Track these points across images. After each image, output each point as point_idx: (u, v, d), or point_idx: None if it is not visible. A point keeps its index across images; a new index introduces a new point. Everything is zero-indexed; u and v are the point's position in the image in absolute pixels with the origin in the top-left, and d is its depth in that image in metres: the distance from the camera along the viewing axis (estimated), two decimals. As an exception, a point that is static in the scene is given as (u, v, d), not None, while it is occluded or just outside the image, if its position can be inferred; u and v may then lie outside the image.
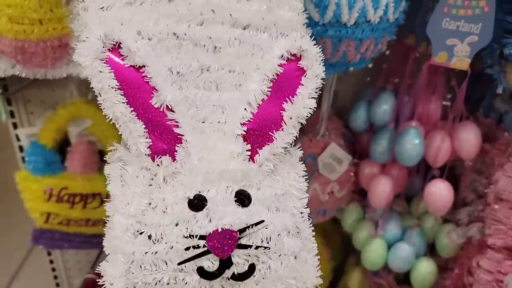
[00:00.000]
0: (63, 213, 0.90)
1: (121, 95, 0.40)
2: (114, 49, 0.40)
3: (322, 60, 0.62)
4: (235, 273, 0.40)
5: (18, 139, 0.94)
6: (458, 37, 0.63)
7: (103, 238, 0.43)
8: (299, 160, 0.48)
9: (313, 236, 0.47)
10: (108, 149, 0.44)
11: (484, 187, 0.75)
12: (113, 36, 0.40)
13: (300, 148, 0.49)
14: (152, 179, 0.42)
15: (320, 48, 0.59)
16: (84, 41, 0.39)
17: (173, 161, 0.42)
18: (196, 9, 0.43)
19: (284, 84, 0.45)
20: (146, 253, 0.40)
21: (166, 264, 0.40)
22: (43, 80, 0.72)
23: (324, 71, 0.64)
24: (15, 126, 0.93)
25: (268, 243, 0.42)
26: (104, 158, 0.91)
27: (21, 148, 0.95)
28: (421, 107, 0.78)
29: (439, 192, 0.75)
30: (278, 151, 0.44)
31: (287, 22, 0.46)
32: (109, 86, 0.39)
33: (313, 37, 0.59)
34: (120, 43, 0.40)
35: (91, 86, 0.79)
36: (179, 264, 0.39)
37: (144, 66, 0.40)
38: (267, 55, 0.45)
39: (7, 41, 0.64)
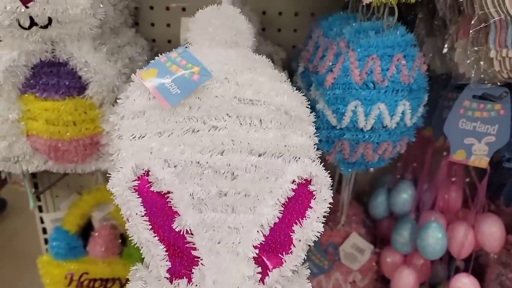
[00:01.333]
0: (83, 298, 0.90)
1: (146, 221, 0.43)
2: (143, 176, 0.44)
3: (342, 160, 0.64)
4: None
5: (42, 221, 0.96)
6: (475, 137, 0.65)
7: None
8: (307, 278, 0.50)
9: None
10: (131, 269, 0.47)
11: (511, 282, 0.74)
12: (143, 166, 0.44)
13: (307, 267, 0.50)
14: None
15: (339, 148, 0.62)
16: (118, 171, 0.43)
17: (189, 282, 0.44)
18: (218, 140, 0.46)
19: (295, 206, 0.47)
20: None
21: None
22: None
23: (344, 169, 0.66)
24: (40, 209, 0.95)
25: None
26: (125, 242, 0.92)
27: (44, 230, 0.97)
28: (441, 196, 0.78)
29: (465, 288, 0.73)
30: (287, 274, 0.46)
31: (300, 147, 0.49)
32: (136, 213, 0.42)
33: (331, 139, 0.62)
34: (148, 171, 0.44)
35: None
36: None
37: (169, 193, 0.44)
38: (280, 179, 0.47)
39: (42, 140, 0.67)
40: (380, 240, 0.88)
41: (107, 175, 0.91)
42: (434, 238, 0.73)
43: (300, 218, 0.46)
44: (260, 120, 0.47)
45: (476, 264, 0.82)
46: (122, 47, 0.72)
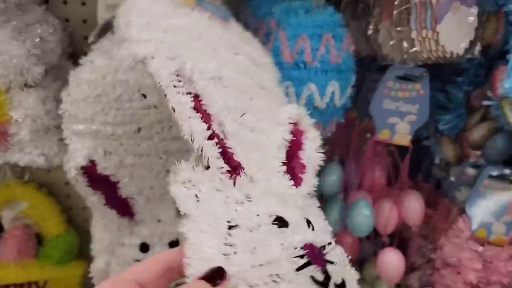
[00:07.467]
0: (-6, 308, 0.81)
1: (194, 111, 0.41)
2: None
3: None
4: (336, 283, 0.39)
5: None
6: (398, 116, 0.68)
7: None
8: None
9: None
10: (173, 169, 0.43)
11: (431, 252, 0.79)
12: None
13: None
14: (225, 201, 0.41)
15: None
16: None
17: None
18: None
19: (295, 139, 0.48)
20: (251, 268, 0.37)
21: (271, 277, 0.37)
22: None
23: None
24: None
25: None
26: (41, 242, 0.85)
27: None
28: (367, 175, 0.81)
29: (391, 262, 0.76)
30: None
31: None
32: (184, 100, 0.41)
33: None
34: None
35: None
36: (297, 270, 0.37)
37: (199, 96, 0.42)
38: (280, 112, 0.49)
39: None
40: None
41: (16, 169, 0.84)
42: (363, 215, 0.75)
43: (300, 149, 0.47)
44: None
45: (399, 239, 0.87)
46: (31, 26, 0.65)
